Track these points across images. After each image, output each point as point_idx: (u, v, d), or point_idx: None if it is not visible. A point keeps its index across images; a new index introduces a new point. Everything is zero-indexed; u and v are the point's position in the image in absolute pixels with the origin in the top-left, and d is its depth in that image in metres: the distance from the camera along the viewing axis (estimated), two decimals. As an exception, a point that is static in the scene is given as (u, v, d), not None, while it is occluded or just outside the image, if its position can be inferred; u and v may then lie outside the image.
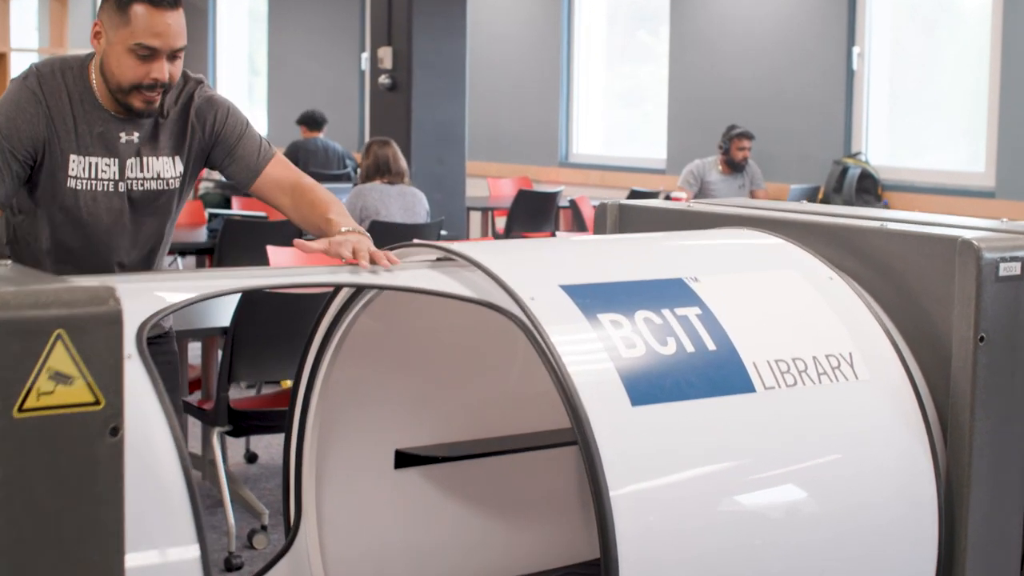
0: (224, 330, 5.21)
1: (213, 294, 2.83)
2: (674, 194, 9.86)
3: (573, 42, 13.83)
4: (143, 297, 2.70)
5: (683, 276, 3.21)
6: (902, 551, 3.17)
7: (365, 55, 13.01)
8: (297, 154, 12.73)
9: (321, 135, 12.96)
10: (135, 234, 3.79)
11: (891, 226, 3.45)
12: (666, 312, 3.07)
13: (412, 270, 3.19)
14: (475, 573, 3.91)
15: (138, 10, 3.57)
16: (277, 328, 5.13)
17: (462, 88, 10.58)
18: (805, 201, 3.96)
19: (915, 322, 3.34)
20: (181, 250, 8.97)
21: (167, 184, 3.79)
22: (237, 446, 6.67)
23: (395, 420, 3.78)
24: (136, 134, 3.71)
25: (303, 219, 3.70)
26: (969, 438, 3.22)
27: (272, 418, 5.41)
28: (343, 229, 3.40)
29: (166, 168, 3.77)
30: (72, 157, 3.67)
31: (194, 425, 6.03)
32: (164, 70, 3.60)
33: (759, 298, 3.30)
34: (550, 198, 10.98)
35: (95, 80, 3.70)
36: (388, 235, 7.56)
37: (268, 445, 6.80)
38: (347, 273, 3.11)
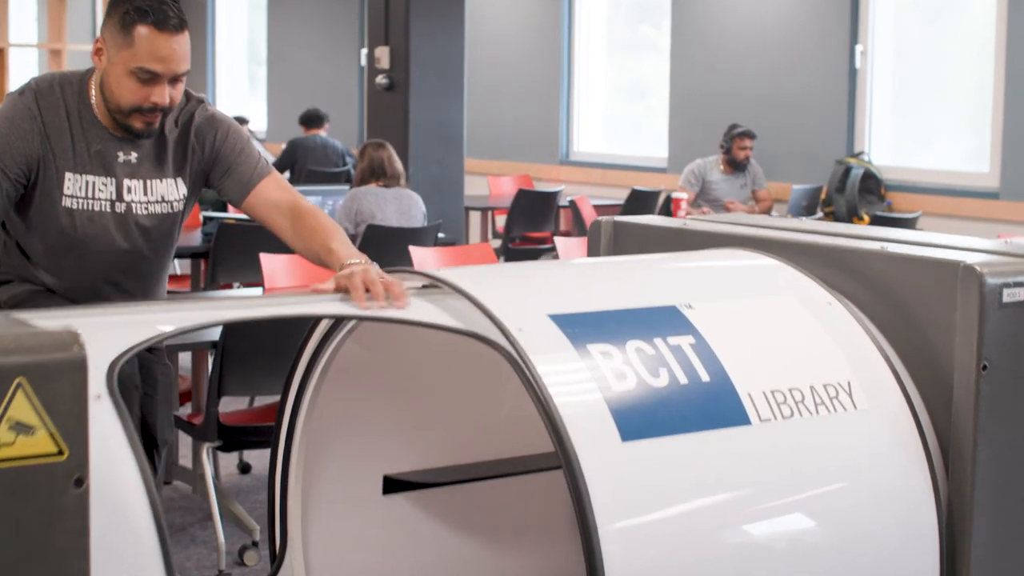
0: (214, 343, 5.12)
1: (190, 328, 2.74)
2: (675, 194, 9.78)
3: (574, 36, 13.76)
4: (116, 332, 2.61)
5: (677, 303, 3.13)
6: (902, 585, 3.09)
7: (365, 51, 12.92)
8: (296, 151, 12.65)
9: (322, 132, 12.89)
10: (133, 258, 3.71)
11: (892, 248, 3.37)
12: (658, 342, 2.99)
13: (397, 299, 3.11)
14: (466, 600, 3.83)
15: (142, 32, 3.48)
16: (268, 342, 5.05)
17: (460, 88, 10.49)
18: (805, 218, 3.85)
19: (916, 349, 3.25)
20: (176, 254, 8.87)
21: (171, 207, 3.71)
22: (230, 456, 6.58)
23: (383, 445, 3.70)
24: (134, 154, 3.63)
25: (303, 245, 3.60)
26: (971, 469, 3.14)
27: (263, 433, 5.31)
28: (348, 261, 3.27)
29: (170, 190, 3.70)
30: (68, 175, 3.58)
31: (185, 436, 5.95)
32: (165, 94, 3.52)
33: (755, 325, 3.22)
34: (550, 198, 10.91)
35: (94, 97, 3.61)
36: (384, 239, 7.49)
37: (262, 455, 6.71)
38: (330, 303, 3.02)
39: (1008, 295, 3.13)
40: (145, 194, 3.65)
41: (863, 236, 3.58)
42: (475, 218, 12.01)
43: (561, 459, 2.73)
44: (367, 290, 3.02)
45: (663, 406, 2.88)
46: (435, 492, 3.76)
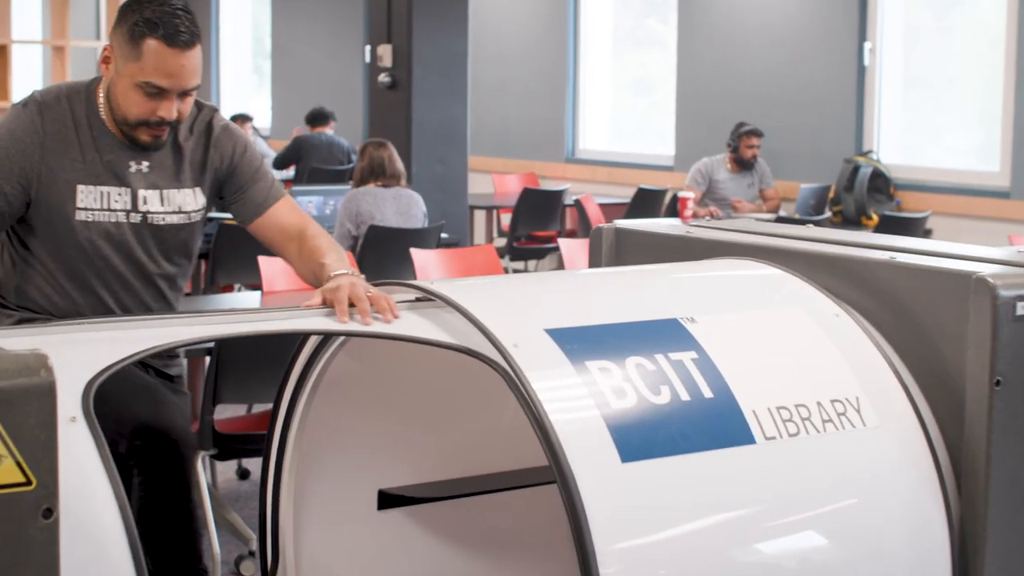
0: (209, 351, 5.03)
1: (169, 345, 2.65)
2: (682, 193, 9.68)
3: (580, 32, 13.69)
4: (93, 350, 2.51)
5: (678, 316, 3.04)
6: (913, 607, 3.01)
7: (369, 48, 12.86)
8: (301, 149, 12.58)
9: (328, 130, 12.82)
10: (151, 270, 3.61)
11: (901, 258, 3.28)
12: (659, 357, 2.91)
13: (389, 313, 3.02)
14: (463, 617, 3.74)
15: (151, 45, 3.36)
16: (265, 350, 4.95)
17: (464, 86, 10.40)
18: (811, 226, 3.76)
19: (927, 363, 3.16)
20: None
21: (189, 218, 3.61)
22: (229, 462, 6.49)
23: (377, 459, 3.61)
24: (146, 164, 3.52)
25: (305, 268, 3.53)
26: (984, 486, 3.05)
27: (260, 441, 5.20)
28: (334, 273, 3.22)
29: (187, 201, 3.59)
30: (80, 188, 3.46)
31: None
32: (172, 109, 3.42)
33: (760, 339, 3.13)
34: (556, 196, 10.84)
35: (103, 106, 3.51)
36: (384, 240, 7.39)
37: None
38: (317, 318, 2.93)
39: (1022, 308, 3.04)
40: (162, 204, 3.55)
41: (871, 245, 3.49)
42: (480, 217, 11.94)
43: (557, 479, 2.65)
44: (352, 304, 2.96)
45: (664, 425, 2.79)
46: (431, 507, 3.67)
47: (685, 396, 2.85)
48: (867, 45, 10.91)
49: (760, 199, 10.56)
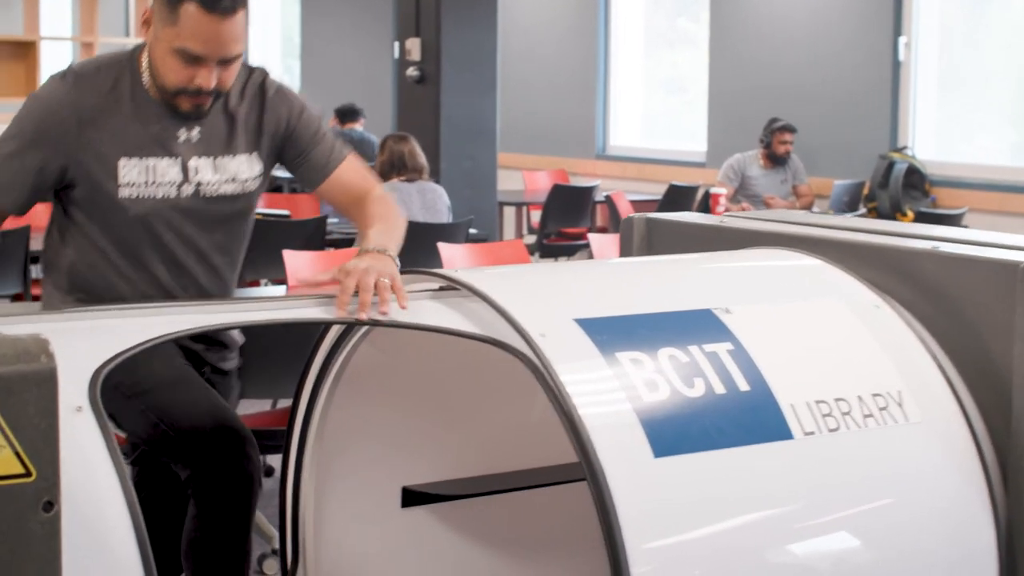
0: (231, 344, 4.94)
1: (182, 332, 2.54)
2: (714, 190, 9.58)
3: (611, 29, 13.65)
4: (100, 338, 2.41)
5: (713, 307, 2.95)
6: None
7: (398, 44, 12.83)
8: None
9: (358, 126, 12.76)
10: (206, 245, 3.41)
11: (944, 248, 3.20)
12: (693, 349, 2.82)
13: (412, 302, 2.93)
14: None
15: (189, 10, 3.16)
16: (289, 343, 4.85)
17: (493, 80, 10.31)
18: (849, 215, 3.65)
19: (972, 356, 3.07)
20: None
21: (244, 187, 3.39)
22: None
23: (400, 455, 3.52)
24: (196, 131, 3.31)
25: (359, 231, 3.41)
26: (1032, 484, 2.95)
27: (283, 437, 5.13)
28: (362, 250, 3.10)
29: (242, 169, 3.38)
30: (122, 161, 3.25)
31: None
32: (211, 78, 3.21)
33: (798, 331, 3.04)
34: (586, 193, 10.74)
35: (146, 73, 3.30)
36: (411, 235, 7.26)
37: (286, 457, 6.53)
38: (334, 307, 2.83)
39: (1071, 298, 2.93)
40: (215, 173, 3.34)
41: (913, 235, 3.41)
42: (509, 213, 11.86)
43: (587, 475, 2.56)
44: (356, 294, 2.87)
45: (698, 418, 2.71)
46: (456, 505, 3.58)
47: (720, 389, 2.77)
48: (902, 40, 10.84)
49: (793, 196, 10.47)
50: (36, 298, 6.78)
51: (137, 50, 3.34)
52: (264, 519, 5.47)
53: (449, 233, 7.41)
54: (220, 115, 3.34)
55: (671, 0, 13.56)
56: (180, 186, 3.31)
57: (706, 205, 9.84)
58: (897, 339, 3.07)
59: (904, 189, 10.46)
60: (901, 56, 10.85)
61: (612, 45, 13.65)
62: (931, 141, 10.85)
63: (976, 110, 10.83)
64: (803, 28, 11.52)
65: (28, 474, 1.92)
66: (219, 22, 3.16)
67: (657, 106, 13.72)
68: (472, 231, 8.03)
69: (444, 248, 6.73)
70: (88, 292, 3.36)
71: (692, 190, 10.90)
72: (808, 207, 10.32)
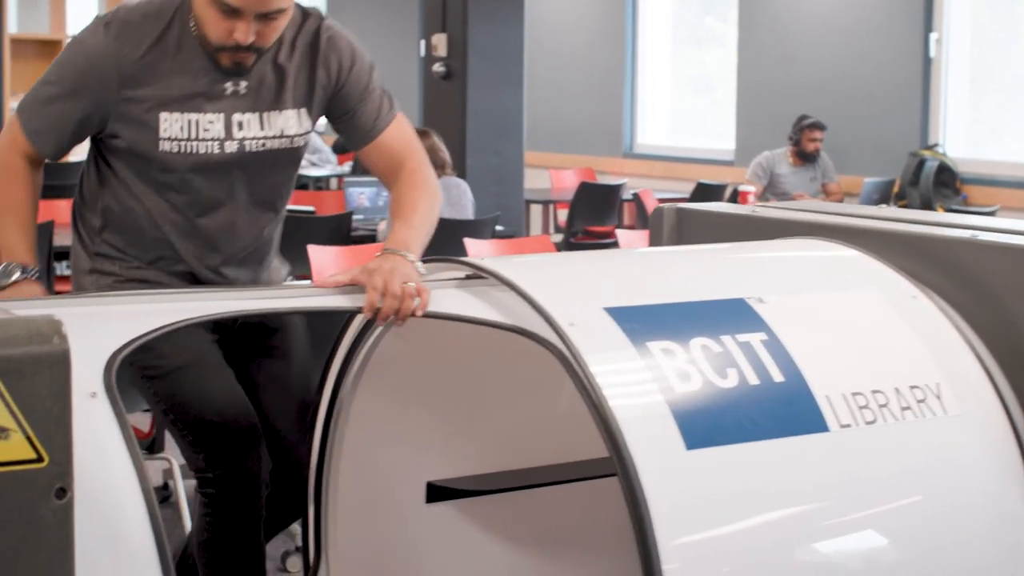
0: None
1: (199, 318, 2.48)
2: (742, 187, 9.52)
3: (638, 27, 13.64)
4: (116, 322, 2.35)
5: (746, 296, 2.88)
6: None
7: (424, 43, 12.80)
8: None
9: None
10: (250, 204, 3.27)
11: (983, 237, 3.14)
12: (726, 339, 2.75)
13: (437, 290, 2.88)
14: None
15: None
16: (313, 336, 4.79)
17: (520, 76, 10.27)
18: (884, 205, 3.58)
19: (1011, 347, 3.00)
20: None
21: (291, 142, 3.25)
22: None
23: (425, 449, 3.45)
24: (244, 84, 3.16)
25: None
26: (1075, 480, 2.89)
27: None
28: (384, 250, 2.96)
29: (291, 124, 3.24)
30: (163, 115, 3.12)
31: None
32: (247, 33, 3.03)
33: (833, 321, 2.97)
34: (613, 191, 10.69)
35: (194, 22, 3.14)
36: (437, 232, 7.22)
37: (310, 454, 6.48)
38: (356, 295, 2.77)
39: (1117, 288, 2.87)
40: (261, 128, 3.21)
41: (951, 224, 3.34)
42: (536, 211, 11.82)
43: (618, 469, 2.50)
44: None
45: (732, 410, 2.65)
46: (482, 500, 3.50)
47: (754, 380, 2.70)
48: (933, 36, 10.81)
49: (822, 194, 10.43)
50: (61, 294, 6.75)
51: None
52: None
53: (475, 229, 7.35)
54: (270, 67, 3.20)
55: (699, 1, 13.53)
56: (223, 142, 3.18)
57: (734, 203, 9.79)
58: (935, 330, 3.00)
59: (935, 187, 10.44)
60: (932, 52, 10.84)
61: (640, 43, 13.64)
62: (962, 138, 10.84)
63: (1008, 107, 10.79)
64: (833, 24, 11.49)
65: (40, 459, 1.86)
66: None
67: (685, 105, 13.72)
68: (498, 228, 7.97)
69: (471, 244, 6.67)
70: (120, 234, 3.25)
71: (720, 188, 10.84)
72: (837, 205, 10.26)
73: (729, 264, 3.22)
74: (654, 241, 3.72)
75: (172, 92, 3.12)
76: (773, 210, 3.61)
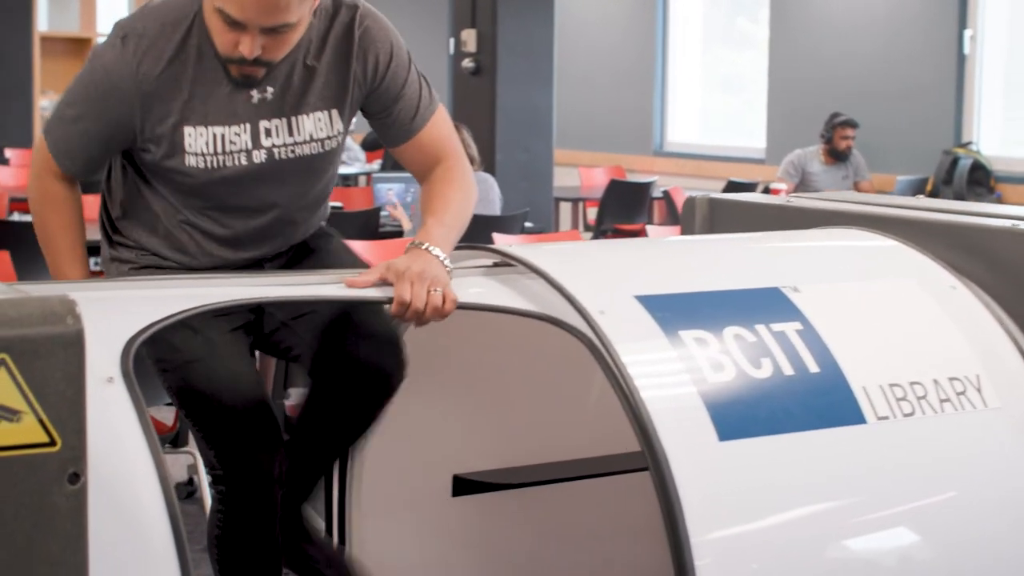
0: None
1: (220, 304, 2.42)
2: (774, 185, 9.45)
3: (669, 26, 13.60)
4: (134, 307, 2.30)
5: (781, 285, 2.83)
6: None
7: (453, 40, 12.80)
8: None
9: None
10: (284, 213, 3.12)
11: None
12: (760, 328, 2.69)
13: (464, 278, 2.81)
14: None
15: None
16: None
17: (550, 73, 10.22)
18: (922, 196, 3.51)
19: (1053, 339, 2.93)
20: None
21: (322, 146, 3.07)
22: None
23: (451, 442, 3.39)
24: (270, 89, 2.99)
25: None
26: (1119, 475, 2.81)
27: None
28: (413, 245, 2.84)
29: (320, 127, 3.06)
30: (187, 130, 2.96)
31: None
32: (252, 46, 2.86)
33: (870, 311, 2.90)
34: (643, 189, 10.63)
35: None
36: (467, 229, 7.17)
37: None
38: (378, 288, 2.70)
39: None
40: (290, 134, 3.04)
41: (991, 213, 3.27)
42: (565, 209, 11.77)
43: (649, 461, 2.44)
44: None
45: (766, 401, 2.59)
46: (508, 494, 3.45)
47: (788, 370, 2.65)
48: (967, 33, 10.76)
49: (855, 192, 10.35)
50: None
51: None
52: (312, 512, 5.36)
53: (504, 225, 7.30)
54: (299, 67, 3.03)
55: (730, 1, 13.51)
56: (251, 153, 3.02)
57: (766, 200, 9.73)
58: (974, 321, 2.94)
59: (969, 185, 10.39)
60: (966, 49, 10.79)
61: (670, 42, 13.59)
62: (996, 136, 10.79)
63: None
64: (865, 21, 11.44)
65: (52, 443, 1.81)
66: None
67: (715, 105, 13.68)
68: (527, 225, 7.92)
69: (500, 239, 6.62)
70: (137, 228, 3.14)
71: (751, 186, 10.77)
72: (870, 204, 10.20)
73: (763, 252, 3.16)
74: (686, 232, 3.65)
75: (194, 107, 2.97)
76: (808, 200, 3.55)
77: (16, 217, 8.49)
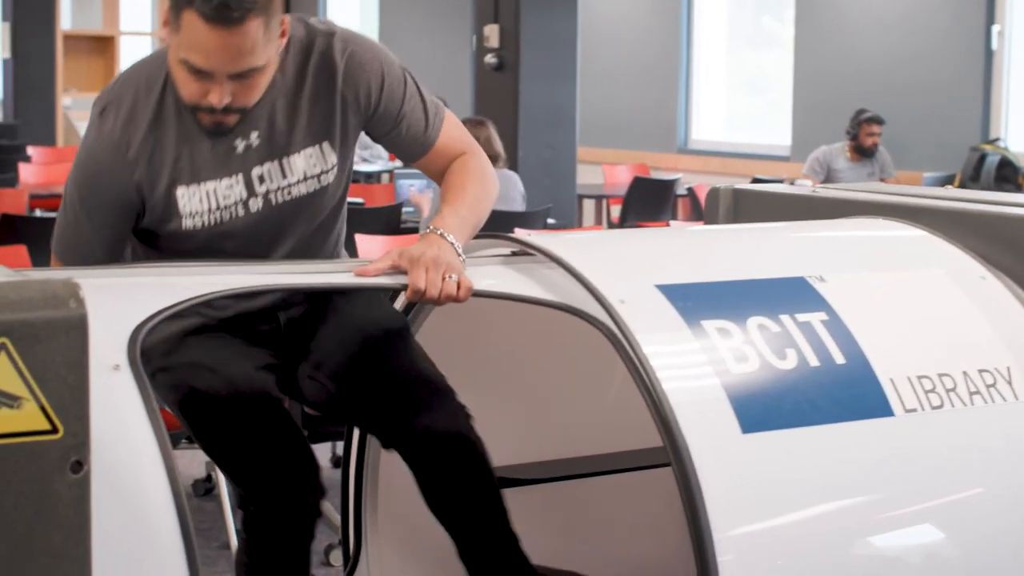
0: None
1: (229, 291, 2.37)
2: (799, 182, 9.39)
3: (693, 23, 13.56)
4: (142, 293, 2.25)
5: (806, 275, 2.77)
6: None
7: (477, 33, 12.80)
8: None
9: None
10: (288, 242, 3.02)
11: None
12: (785, 318, 2.64)
13: (481, 267, 2.77)
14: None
15: (190, 19, 2.72)
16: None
17: (573, 69, 10.18)
18: (950, 187, 3.44)
19: (1085, 331, 2.87)
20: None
21: (319, 181, 2.98)
22: (323, 450, 6.25)
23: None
24: (255, 134, 2.90)
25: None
26: None
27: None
28: (427, 230, 2.78)
29: (313, 163, 2.96)
30: (180, 191, 2.88)
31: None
32: (221, 95, 2.77)
33: (897, 302, 2.85)
34: (667, 186, 10.59)
35: None
36: (488, 224, 7.13)
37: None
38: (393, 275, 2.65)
39: None
40: (284, 176, 2.95)
41: (1020, 203, 3.17)
42: (589, 207, 11.73)
43: (671, 454, 2.39)
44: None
45: (791, 393, 2.54)
46: (527, 490, 3.39)
47: (814, 361, 2.59)
48: (995, 28, 10.72)
49: (880, 189, 10.29)
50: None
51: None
52: (333, 509, 5.32)
53: (527, 221, 7.27)
54: (280, 107, 2.94)
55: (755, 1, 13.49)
56: (247, 202, 2.93)
57: (791, 196, 9.69)
58: (1005, 312, 2.88)
59: (996, 182, 10.36)
60: (994, 45, 10.74)
61: (694, 39, 13.58)
62: (1025, 132, 10.69)
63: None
64: (892, 17, 11.40)
65: (54, 430, 1.76)
66: (224, 34, 2.71)
67: (740, 102, 13.63)
68: (550, 221, 7.88)
69: (521, 236, 6.58)
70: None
71: (776, 184, 10.72)
72: (896, 201, 10.16)
73: (788, 241, 3.11)
74: (709, 221, 3.60)
75: (182, 167, 2.89)
76: (834, 191, 3.49)
77: (38, 213, 8.49)
